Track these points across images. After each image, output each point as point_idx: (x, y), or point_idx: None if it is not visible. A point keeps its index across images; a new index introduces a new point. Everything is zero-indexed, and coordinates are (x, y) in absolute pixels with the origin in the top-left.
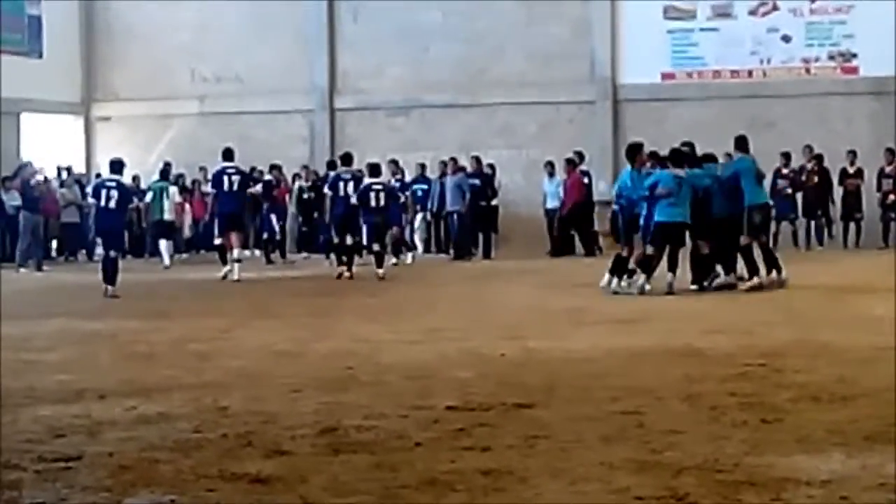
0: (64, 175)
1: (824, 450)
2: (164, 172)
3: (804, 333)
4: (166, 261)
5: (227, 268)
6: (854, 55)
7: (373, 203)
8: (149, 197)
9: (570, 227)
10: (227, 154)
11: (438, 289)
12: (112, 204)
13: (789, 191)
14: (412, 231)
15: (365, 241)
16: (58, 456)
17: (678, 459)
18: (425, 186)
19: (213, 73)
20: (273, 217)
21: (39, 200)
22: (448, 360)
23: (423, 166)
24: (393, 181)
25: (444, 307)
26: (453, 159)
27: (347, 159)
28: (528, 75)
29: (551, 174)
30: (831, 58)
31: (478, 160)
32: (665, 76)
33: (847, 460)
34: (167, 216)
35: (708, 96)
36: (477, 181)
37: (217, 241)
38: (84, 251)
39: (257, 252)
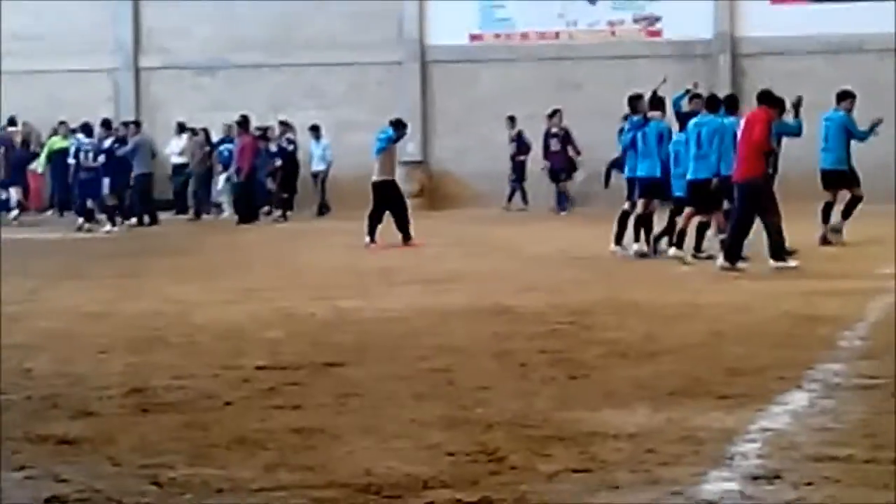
0: None
1: (631, 404)
2: None
3: (613, 292)
4: None
5: None
6: (658, 18)
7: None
8: None
9: (246, 190)
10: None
11: (250, 249)
12: (90, 162)
13: None
14: (212, 192)
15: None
16: None
17: (488, 415)
18: (231, 147)
19: (12, 32)
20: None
21: None
22: (259, 320)
23: (229, 127)
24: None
25: (255, 268)
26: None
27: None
28: (336, 36)
29: (317, 137)
30: (636, 21)
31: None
32: (473, 37)
33: (653, 414)
34: None
35: (516, 58)
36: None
37: None
38: None
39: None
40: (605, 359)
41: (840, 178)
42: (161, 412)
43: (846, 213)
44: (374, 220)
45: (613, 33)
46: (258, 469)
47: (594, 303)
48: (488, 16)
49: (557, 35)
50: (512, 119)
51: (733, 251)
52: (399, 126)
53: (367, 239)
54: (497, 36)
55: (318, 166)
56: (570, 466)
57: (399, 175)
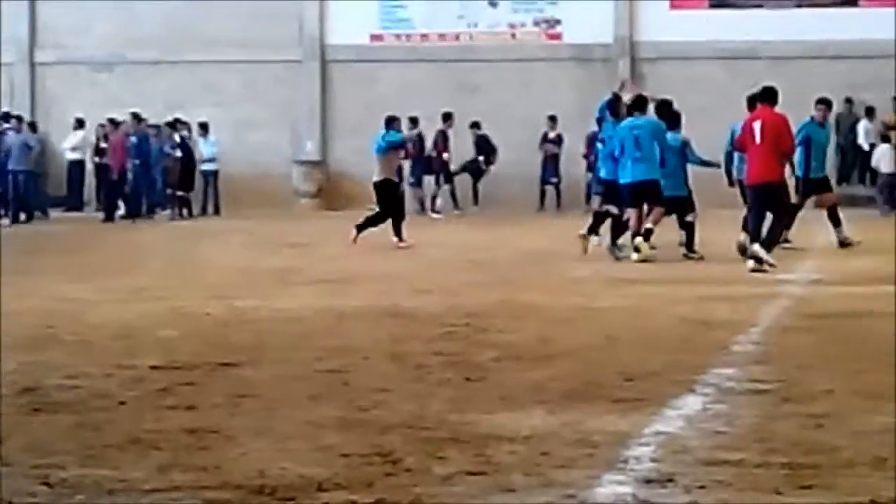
0: None
1: (525, 407)
2: None
3: (509, 294)
4: None
5: None
6: (558, 21)
7: None
8: None
9: (120, 188)
10: None
11: (144, 248)
12: None
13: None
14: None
15: None
16: None
17: (384, 417)
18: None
19: None
20: None
21: None
22: (153, 319)
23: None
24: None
25: (150, 266)
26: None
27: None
28: (236, 33)
29: (205, 135)
30: (536, 24)
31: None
32: (374, 37)
33: (547, 417)
34: None
35: (416, 59)
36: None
37: None
38: None
39: None
40: (501, 361)
41: (812, 186)
42: (53, 412)
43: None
44: (395, 220)
45: (514, 36)
46: (151, 470)
47: (490, 305)
48: (389, 16)
49: (458, 37)
50: (414, 120)
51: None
52: (390, 121)
53: (395, 239)
54: (397, 36)
55: (207, 165)
56: (465, 469)
57: (297, 175)
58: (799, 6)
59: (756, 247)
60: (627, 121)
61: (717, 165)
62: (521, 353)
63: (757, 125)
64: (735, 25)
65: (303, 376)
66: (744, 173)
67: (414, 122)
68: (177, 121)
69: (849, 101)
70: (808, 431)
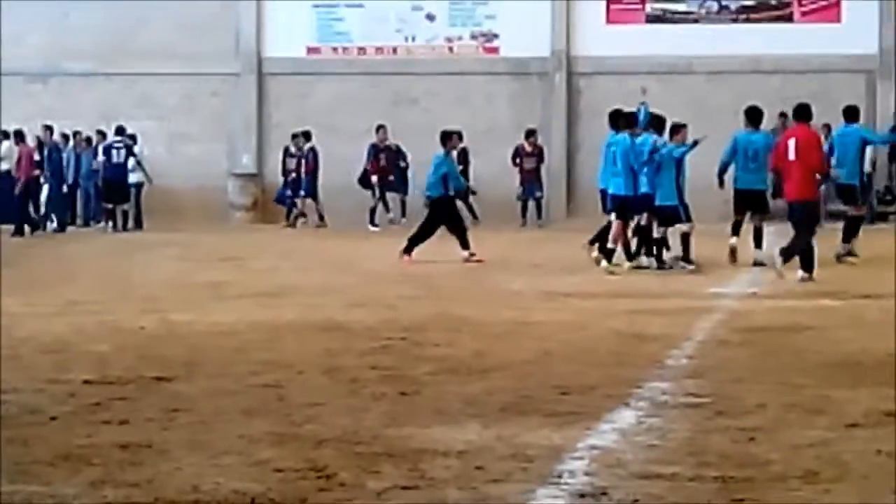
0: None
1: (460, 421)
2: None
3: (445, 308)
4: None
5: None
6: (496, 35)
7: None
8: None
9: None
10: None
11: (78, 261)
12: None
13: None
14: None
15: None
16: None
17: (318, 432)
18: (64, 156)
19: None
20: None
21: None
22: (86, 333)
23: (64, 136)
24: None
25: (83, 279)
26: None
27: None
28: (172, 46)
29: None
30: (473, 37)
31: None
32: (311, 50)
33: (483, 431)
34: None
35: (353, 72)
36: None
37: None
38: None
39: None
40: (436, 375)
41: (852, 192)
42: None
43: (847, 235)
44: (459, 233)
45: (451, 49)
46: (83, 485)
47: (425, 319)
48: (326, 29)
49: (395, 50)
50: (307, 134)
51: (808, 264)
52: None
53: (464, 253)
54: (334, 49)
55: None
56: (399, 483)
57: (233, 188)
58: (734, 21)
59: (800, 273)
60: (612, 136)
61: (697, 143)
62: (456, 366)
63: (792, 143)
64: (671, 40)
65: (237, 391)
66: (742, 183)
67: (307, 136)
68: (119, 129)
69: (783, 115)
70: (741, 445)
